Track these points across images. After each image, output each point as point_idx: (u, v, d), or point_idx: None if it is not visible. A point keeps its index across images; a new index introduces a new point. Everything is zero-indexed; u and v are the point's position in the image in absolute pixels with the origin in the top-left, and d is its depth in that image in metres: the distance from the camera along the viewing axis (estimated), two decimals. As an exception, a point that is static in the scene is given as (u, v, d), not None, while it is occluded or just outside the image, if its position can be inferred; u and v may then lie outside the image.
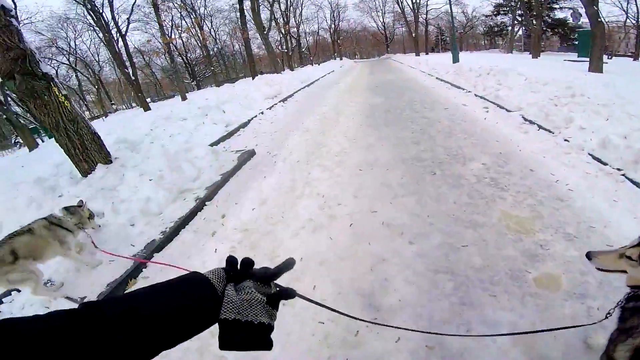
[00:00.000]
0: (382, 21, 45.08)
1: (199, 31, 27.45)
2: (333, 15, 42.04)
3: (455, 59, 11.85)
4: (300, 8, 33.89)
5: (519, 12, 27.64)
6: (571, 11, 22.51)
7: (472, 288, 1.87)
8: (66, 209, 2.83)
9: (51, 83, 3.37)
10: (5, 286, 2.45)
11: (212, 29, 31.77)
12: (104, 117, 29.65)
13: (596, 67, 8.53)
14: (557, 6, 28.47)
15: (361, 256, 2.28)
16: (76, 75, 30.07)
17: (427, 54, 30.57)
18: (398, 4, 34.37)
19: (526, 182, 2.92)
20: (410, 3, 32.40)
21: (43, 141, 16.97)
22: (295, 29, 33.42)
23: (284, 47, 29.94)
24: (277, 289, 0.57)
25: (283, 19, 28.54)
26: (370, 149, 4.37)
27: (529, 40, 26.43)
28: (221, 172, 4.39)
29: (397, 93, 8.58)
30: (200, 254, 2.69)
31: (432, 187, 3.08)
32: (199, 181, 4.17)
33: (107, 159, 4.02)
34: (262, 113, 8.34)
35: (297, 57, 36.54)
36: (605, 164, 3.07)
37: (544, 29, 27.70)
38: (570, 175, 2.98)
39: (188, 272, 0.56)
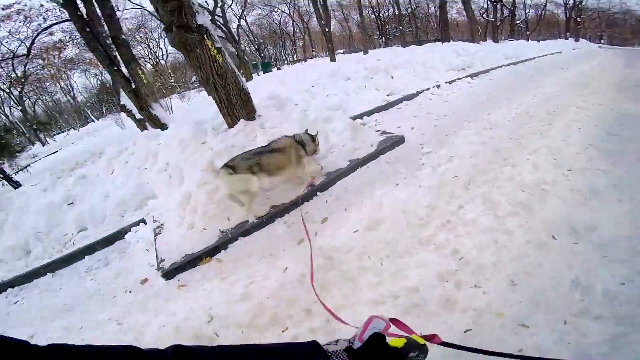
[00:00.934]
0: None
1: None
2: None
3: None
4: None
5: None
6: None
7: None
8: (309, 135, 3.05)
9: (205, 36, 3.31)
10: (230, 191, 2.55)
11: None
12: (302, 62, 34.20)
13: None
14: None
15: None
16: (292, 23, 35.15)
17: None
18: None
19: None
20: None
21: (258, 75, 21.03)
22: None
23: (491, 15, 24.52)
24: None
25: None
26: (590, 202, 2.23)
27: None
28: (351, 158, 3.63)
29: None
30: (274, 262, 2.15)
31: None
32: (323, 162, 3.59)
33: (250, 115, 3.96)
34: (437, 86, 6.74)
35: (508, 28, 29.48)
36: None
37: None
38: None
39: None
